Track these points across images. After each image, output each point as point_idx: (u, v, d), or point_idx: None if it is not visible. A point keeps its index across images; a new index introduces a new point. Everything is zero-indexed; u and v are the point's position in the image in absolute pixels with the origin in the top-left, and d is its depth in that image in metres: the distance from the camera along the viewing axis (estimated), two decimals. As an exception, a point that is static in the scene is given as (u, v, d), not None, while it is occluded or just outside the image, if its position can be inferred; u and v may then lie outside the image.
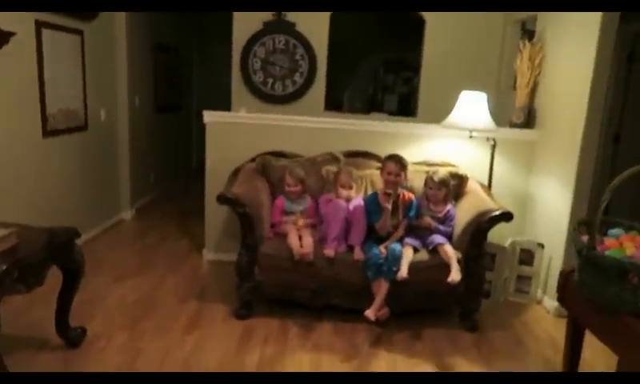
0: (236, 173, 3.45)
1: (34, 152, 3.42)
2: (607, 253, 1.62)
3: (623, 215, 4.23)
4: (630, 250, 1.64)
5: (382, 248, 2.99)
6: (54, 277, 2.44)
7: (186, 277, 3.58)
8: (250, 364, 2.56)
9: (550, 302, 3.36)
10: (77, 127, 3.92)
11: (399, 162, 3.15)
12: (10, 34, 2.89)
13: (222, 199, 2.98)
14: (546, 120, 3.58)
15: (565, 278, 1.97)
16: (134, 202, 4.93)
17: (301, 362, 2.61)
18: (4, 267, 1.96)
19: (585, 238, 1.77)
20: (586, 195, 3.20)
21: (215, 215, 3.81)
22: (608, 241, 1.74)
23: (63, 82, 3.72)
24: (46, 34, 3.44)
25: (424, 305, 3.05)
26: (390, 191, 3.03)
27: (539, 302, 3.49)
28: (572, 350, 2.02)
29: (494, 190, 3.48)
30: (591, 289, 1.71)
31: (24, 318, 2.79)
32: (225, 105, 4.68)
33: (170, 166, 6.32)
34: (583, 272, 1.74)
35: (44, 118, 3.48)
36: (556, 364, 2.74)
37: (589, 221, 1.85)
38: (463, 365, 2.69)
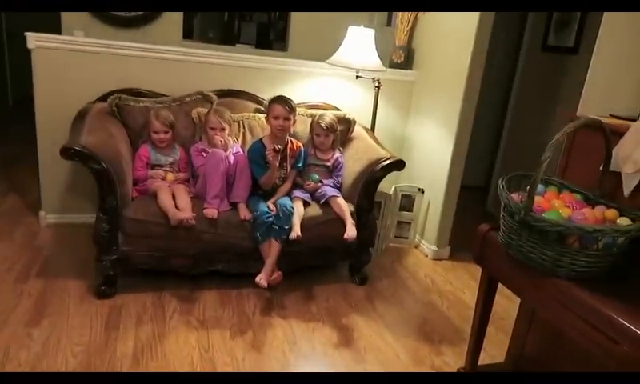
0: (81, 116, 2.74)
1: None
2: (545, 215, 1.53)
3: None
4: (563, 210, 1.57)
5: (270, 204, 2.66)
6: None
7: (21, 246, 2.84)
8: (125, 353, 2.11)
9: (429, 246, 3.43)
10: None
11: (287, 103, 2.77)
12: None
13: (68, 153, 2.31)
14: (426, 60, 3.50)
15: (483, 236, 1.88)
16: None
17: (186, 342, 2.23)
18: None
19: (515, 197, 1.67)
20: (467, 137, 3.23)
21: (53, 168, 3.06)
22: (539, 200, 1.66)
23: None
24: None
25: (316, 262, 2.84)
26: (279, 147, 2.66)
27: (417, 246, 3.54)
28: (484, 308, 1.98)
29: (376, 133, 3.34)
30: (522, 252, 1.62)
31: None
32: (48, 24, 3.72)
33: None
34: (514, 234, 1.65)
35: None
36: (441, 309, 2.80)
37: (517, 178, 1.75)
38: (361, 322, 2.57)
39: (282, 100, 2.77)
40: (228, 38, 6.23)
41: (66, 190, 3.16)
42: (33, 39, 2.92)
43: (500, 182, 1.75)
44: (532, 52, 4.19)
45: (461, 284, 3.10)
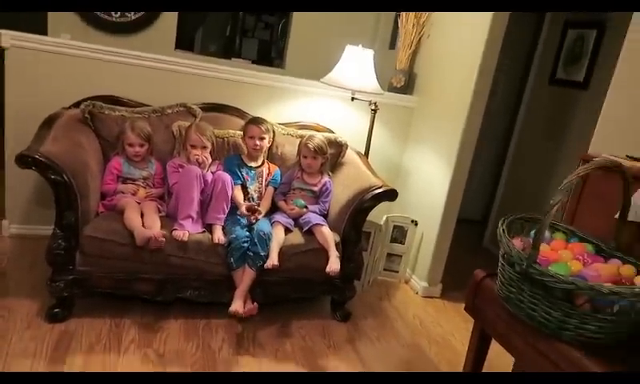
0: (50, 122, 2.51)
1: None
2: (552, 268, 1.30)
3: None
4: (574, 264, 1.34)
5: (243, 208, 2.52)
6: None
7: (-25, 259, 2.61)
8: (68, 389, 1.86)
9: (419, 282, 3.19)
10: None
11: (262, 124, 2.70)
12: None
13: (24, 161, 2.09)
14: (428, 86, 3.30)
15: (477, 284, 1.65)
16: None
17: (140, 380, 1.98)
18: None
19: (517, 244, 1.44)
20: (466, 169, 3.02)
21: (20, 176, 2.81)
22: (545, 250, 1.43)
23: None
24: None
25: (294, 294, 2.59)
26: (256, 207, 2.58)
27: (407, 282, 3.30)
28: (475, 361, 1.74)
29: (369, 159, 3.12)
30: (523, 309, 1.39)
31: None
32: (37, 26, 3.55)
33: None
34: (514, 287, 1.42)
35: None
36: (429, 355, 2.55)
37: (521, 221, 1.53)
38: (339, 366, 2.32)
39: (257, 121, 2.72)
40: (229, 52, 6.09)
41: (32, 200, 2.93)
42: (7, 37, 2.73)
43: (500, 224, 1.52)
44: (539, 84, 3.99)
45: (451, 327, 2.85)
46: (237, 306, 2.31)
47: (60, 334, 2.16)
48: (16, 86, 2.78)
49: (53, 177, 2.10)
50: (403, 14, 3.36)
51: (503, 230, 1.48)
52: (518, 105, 4.19)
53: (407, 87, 3.40)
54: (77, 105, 2.69)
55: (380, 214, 3.12)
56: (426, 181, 3.21)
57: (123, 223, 2.27)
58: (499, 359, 2.32)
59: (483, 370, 1.81)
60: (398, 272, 3.28)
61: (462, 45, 2.97)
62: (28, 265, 2.64)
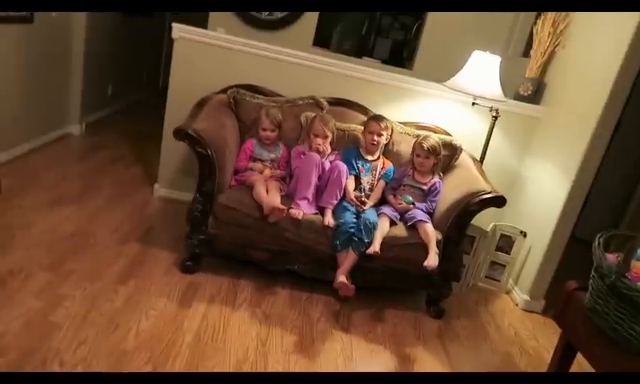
0: (202, 104, 2.96)
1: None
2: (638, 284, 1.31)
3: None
4: (665, 286, 1.33)
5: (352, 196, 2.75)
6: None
7: (132, 212, 3.16)
8: (190, 327, 2.23)
9: (521, 295, 3.14)
10: (19, 18, 3.31)
11: (382, 121, 2.91)
12: None
13: (179, 134, 2.52)
14: (556, 97, 3.21)
15: (568, 295, 1.66)
16: (85, 116, 4.38)
17: (247, 332, 2.29)
18: None
19: (611, 258, 1.45)
20: (586, 186, 2.90)
21: (173, 147, 3.33)
22: (636, 266, 1.42)
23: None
24: None
25: (392, 284, 2.75)
26: (364, 199, 2.79)
27: (508, 293, 3.26)
28: (558, 370, 1.75)
29: (485, 166, 3.14)
30: (608, 322, 1.41)
31: None
32: (202, 19, 4.11)
33: (133, 80, 5.72)
34: (601, 299, 1.43)
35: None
36: (517, 365, 2.54)
37: (619, 237, 1.52)
38: (425, 357, 2.43)
39: (378, 118, 2.93)
40: (363, 51, 6.34)
41: (179, 169, 3.44)
42: (177, 30, 3.23)
43: (597, 237, 1.54)
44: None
45: (547, 343, 2.77)
46: (340, 279, 2.54)
47: (189, 282, 2.56)
48: (179, 71, 3.28)
49: (199, 150, 2.49)
50: (540, 21, 3.30)
51: (599, 243, 1.49)
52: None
53: (535, 96, 3.33)
54: (224, 91, 3.10)
55: (489, 221, 3.13)
56: (541, 193, 3.14)
57: (251, 196, 2.61)
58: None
59: None
60: (500, 281, 3.25)
61: (597, 59, 2.86)
62: (169, 223, 3.14)
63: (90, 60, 4.24)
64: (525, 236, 3.12)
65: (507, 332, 2.83)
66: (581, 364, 1.94)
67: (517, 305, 3.14)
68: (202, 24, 3.97)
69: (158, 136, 3.41)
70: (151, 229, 3.03)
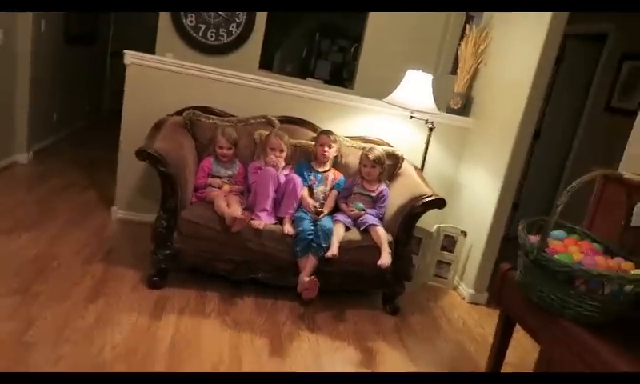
0: (159, 125, 3.08)
1: None
2: (557, 256, 1.60)
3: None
4: (577, 255, 1.63)
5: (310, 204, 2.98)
6: None
7: (92, 235, 3.20)
8: (163, 338, 2.33)
9: (466, 289, 3.45)
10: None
11: (331, 135, 3.19)
12: None
13: (142, 154, 2.64)
14: (482, 109, 3.60)
15: (502, 275, 1.95)
16: (31, 144, 4.34)
17: (219, 339, 2.42)
18: None
19: (532, 239, 1.74)
20: (513, 188, 3.27)
21: (129, 170, 3.44)
22: (553, 243, 1.72)
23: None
24: None
25: (350, 285, 2.97)
26: (319, 209, 3.03)
27: (455, 288, 3.57)
28: (500, 346, 2.03)
29: (425, 173, 3.45)
30: (534, 291, 1.69)
31: None
32: (145, 46, 4.21)
33: (77, 106, 5.68)
34: (528, 273, 1.72)
35: None
36: (468, 350, 2.82)
37: (539, 222, 1.82)
38: (386, 350, 2.65)
39: (327, 132, 3.20)
40: (304, 72, 6.63)
41: (136, 191, 3.52)
42: (129, 56, 3.35)
43: (521, 223, 1.83)
44: (594, 112, 4.15)
45: (492, 329, 3.00)
46: (306, 279, 2.74)
47: (157, 297, 2.65)
48: (132, 95, 3.38)
49: (162, 169, 2.62)
50: (463, 42, 3.70)
51: (523, 227, 1.78)
52: (575, 132, 4.36)
53: (464, 109, 3.71)
54: (179, 113, 3.24)
55: (433, 223, 3.44)
56: (476, 196, 3.49)
57: (213, 210, 2.75)
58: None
59: (506, 357, 2.08)
60: (446, 279, 3.56)
61: (514, 73, 3.26)
62: (131, 243, 3.20)
63: (35, 88, 4.22)
64: (465, 235, 3.46)
65: (457, 323, 3.12)
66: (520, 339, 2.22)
67: (463, 298, 3.45)
68: (149, 50, 4.09)
69: (108, 161, 3.48)
70: (114, 249, 3.08)
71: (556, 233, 1.84)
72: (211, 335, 2.44)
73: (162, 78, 3.39)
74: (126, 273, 2.81)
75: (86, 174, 4.29)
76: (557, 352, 1.62)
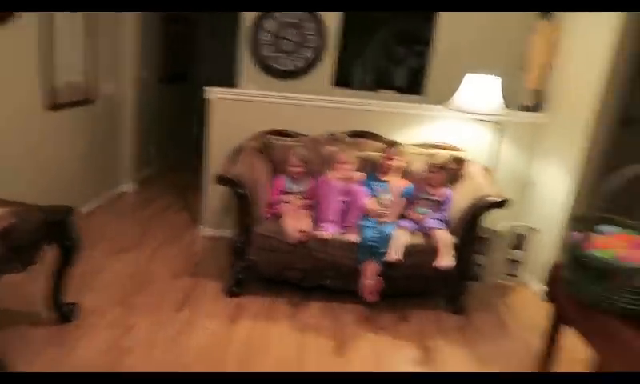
0: (237, 152, 3.42)
1: (39, 125, 3.44)
2: (594, 252, 1.57)
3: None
4: (622, 250, 1.58)
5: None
6: (51, 251, 2.42)
7: (182, 252, 3.60)
8: (239, 339, 2.60)
9: (537, 287, 3.34)
10: (84, 100, 3.92)
11: (395, 148, 3.36)
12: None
13: (221, 180, 2.95)
14: (557, 103, 3.47)
15: (554, 272, 1.92)
16: (135, 175, 4.95)
17: (287, 340, 2.64)
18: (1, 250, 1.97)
19: (576, 234, 1.72)
20: (590, 184, 3.11)
21: (213, 192, 3.81)
22: (598, 239, 1.68)
23: (70, 55, 3.68)
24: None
25: (414, 288, 3.06)
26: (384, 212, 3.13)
27: (526, 285, 3.48)
28: (551, 343, 1.99)
29: (498, 173, 3.42)
30: (574, 286, 1.67)
31: (18, 293, 2.75)
32: (230, 81, 4.62)
33: (171, 137, 6.31)
34: (569, 269, 1.70)
35: (51, 91, 3.46)
36: (536, 349, 2.72)
37: (582, 217, 1.79)
38: (445, 348, 2.70)
39: (391, 143, 3.38)
40: (381, 82, 6.69)
41: (219, 210, 3.89)
42: (210, 92, 3.73)
43: (569, 219, 1.81)
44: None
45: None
46: (368, 281, 2.89)
47: (235, 304, 2.94)
48: (214, 125, 3.76)
49: (238, 191, 2.90)
50: (535, 37, 3.59)
51: (569, 224, 1.76)
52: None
53: (537, 105, 3.60)
54: (255, 138, 3.55)
55: (506, 221, 3.40)
56: (550, 193, 3.38)
57: (282, 225, 2.98)
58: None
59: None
60: (517, 277, 3.47)
61: (587, 64, 3.13)
62: (214, 257, 3.54)
63: (138, 126, 4.83)
64: (537, 232, 3.35)
65: (525, 321, 3.05)
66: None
67: (534, 295, 3.36)
68: (231, 84, 4.48)
69: (197, 184, 3.89)
70: (199, 263, 3.45)
71: (607, 228, 1.79)
72: (281, 337, 2.66)
73: (240, 106, 3.73)
74: (209, 284, 3.14)
75: (182, 196, 4.79)
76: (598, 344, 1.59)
